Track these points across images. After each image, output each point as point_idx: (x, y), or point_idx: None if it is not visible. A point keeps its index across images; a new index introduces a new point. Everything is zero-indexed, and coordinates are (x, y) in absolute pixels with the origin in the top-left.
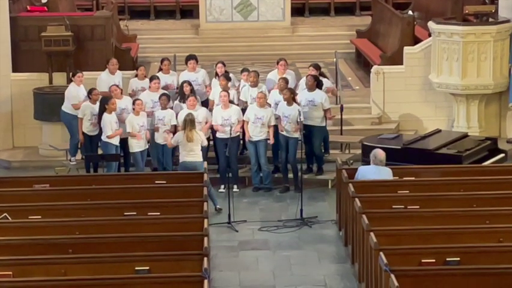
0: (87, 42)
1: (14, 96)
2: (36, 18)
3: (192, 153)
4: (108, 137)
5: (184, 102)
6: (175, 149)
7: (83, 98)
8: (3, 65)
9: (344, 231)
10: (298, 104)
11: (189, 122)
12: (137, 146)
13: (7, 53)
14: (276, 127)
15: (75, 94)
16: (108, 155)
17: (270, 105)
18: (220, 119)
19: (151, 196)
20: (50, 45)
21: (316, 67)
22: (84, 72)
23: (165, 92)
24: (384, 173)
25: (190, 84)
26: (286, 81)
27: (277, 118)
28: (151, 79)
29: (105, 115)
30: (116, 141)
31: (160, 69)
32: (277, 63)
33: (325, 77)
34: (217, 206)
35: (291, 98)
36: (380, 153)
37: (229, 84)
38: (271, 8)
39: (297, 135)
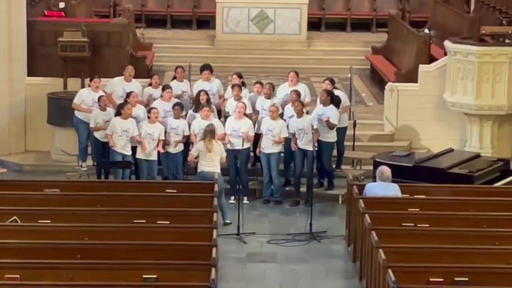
0: (103, 48)
1: (28, 100)
2: (53, 23)
3: (211, 164)
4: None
5: (198, 111)
6: (185, 159)
7: (91, 103)
8: (18, 69)
9: (352, 247)
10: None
11: (209, 133)
12: (143, 153)
13: (23, 57)
14: (289, 141)
15: (81, 94)
16: (119, 162)
17: (284, 119)
18: (230, 129)
19: (161, 205)
20: (66, 50)
21: (332, 81)
22: (101, 79)
23: (179, 101)
24: (392, 189)
25: (206, 93)
26: (298, 93)
27: (293, 135)
28: (163, 88)
29: (115, 118)
30: (121, 149)
31: (174, 77)
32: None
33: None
34: (226, 221)
35: (301, 110)
36: (386, 170)
37: (242, 93)
38: (288, 22)
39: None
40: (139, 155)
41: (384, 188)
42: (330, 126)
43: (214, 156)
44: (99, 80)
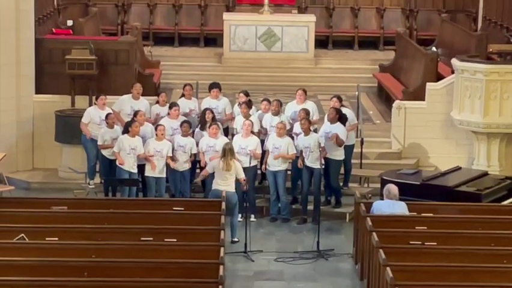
0: (110, 66)
1: (36, 117)
2: (61, 41)
3: (225, 183)
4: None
5: (204, 129)
6: (193, 176)
7: (99, 121)
8: (26, 86)
9: (360, 265)
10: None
11: (229, 151)
12: (152, 170)
13: (31, 75)
14: (296, 158)
15: (89, 113)
16: (127, 179)
17: (292, 137)
18: (237, 147)
19: (169, 222)
20: (73, 68)
21: (340, 99)
22: (106, 96)
23: (186, 119)
24: (399, 207)
25: (212, 112)
26: (306, 112)
27: (300, 152)
28: (170, 106)
29: (123, 136)
30: (129, 167)
31: (182, 95)
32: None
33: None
34: (234, 239)
35: (308, 127)
36: (393, 188)
37: (251, 111)
38: (295, 40)
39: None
40: (148, 172)
41: (391, 206)
42: (339, 143)
43: (229, 175)
44: (105, 97)
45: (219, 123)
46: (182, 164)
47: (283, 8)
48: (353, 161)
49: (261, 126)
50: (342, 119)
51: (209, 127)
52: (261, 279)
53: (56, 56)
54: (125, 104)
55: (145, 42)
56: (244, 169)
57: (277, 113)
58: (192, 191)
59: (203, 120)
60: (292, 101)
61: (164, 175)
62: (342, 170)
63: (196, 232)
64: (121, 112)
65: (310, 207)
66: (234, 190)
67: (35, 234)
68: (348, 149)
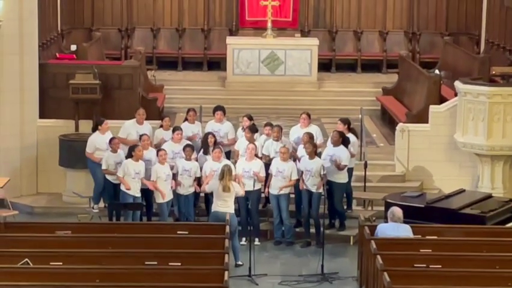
0: (114, 90)
1: (40, 142)
2: (65, 65)
3: (225, 204)
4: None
5: (207, 153)
6: (197, 200)
7: (106, 147)
8: (30, 111)
9: None
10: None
11: (227, 172)
12: (161, 197)
13: (35, 99)
14: (298, 182)
15: (93, 143)
16: (131, 203)
17: (294, 160)
18: (240, 170)
19: (173, 246)
20: (77, 92)
21: (344, 122)
22: (110, 121)
23: (189, 143)
24: (403, 230)
25: (214, 136)
26: (310, 135)
27: (301, 174)
28: (173, 130)
29: (127, 160)
30: (134, 191)
31: (186, 119)
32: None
33: (354, 133)
34: (238, 262)
35: (314, 151)
36: (397, 211)
37: (255, 136)
38: (298, 63)
39: (320, 190)
40: (160, 199)
41: (395, 228)
42: (340, 167)
43: (228, 197)
44: (106, 122)
45: (221, 146)
46: (187, 188)
47: (286, 31)
48: (357, 184)
49: (263, 154)
50: (345, 142)
51: (212, 151)
52: None
53: (60, 80)
54: (131, 129)
55: (149, 66)
56: (248, 192)
57: (278, 139)
58: (196, 215)
59: (205, 144)
60: (296, 125)
61: (171, 196)
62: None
63: (200, 256)
64: (128, 137)
65: (313, 230)
66: (234, 212)
67: (40, 259)
68: (348, 172)
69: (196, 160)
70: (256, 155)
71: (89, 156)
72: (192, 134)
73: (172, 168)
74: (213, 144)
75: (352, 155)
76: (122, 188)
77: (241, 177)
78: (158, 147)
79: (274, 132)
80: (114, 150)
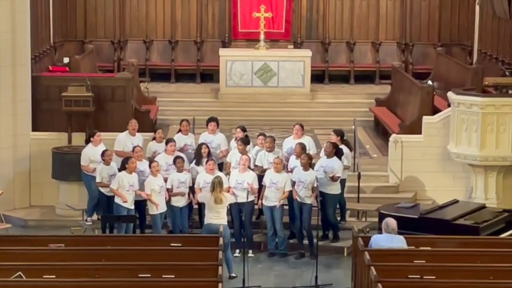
0: (107, 103)
1: (33, 155)
2: (58, 78)
3: (218, 216)
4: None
5: (200, 164)
6: (191, 212)
7: (100, 159)
8: (23, 124)
9: None
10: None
11: (218, 184)
12: (158, 207)
13: (27, 112)
14: (291, 193)
15: (86, 155)
16: (124, 216)
17: (287, 172)
18: (234, 182)
19: (166, 258)
20: (70, 105)
21: (338, 133)
22: (104, 133)
23: (180, 154)
24: (397, 241)
25: (207, 146)
26: (302, 146)
27: (293, 184)
28: (167, 142)
29: (122, 172)
30: (128, 204)
31: (179, 131)
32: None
33: (347, 145)
34: (232, 274)
35: (308, 163)
36: (391, 222)
37: (247, 147)
38: (291, 74)
39: (310, 201)
40: (154, 211)
41: (390, 240)
42: (334, 178)
43: (221, 208)
44: (99, 133)
45: (214, 158)
46: (184, 200)
47: (279, 43)
48: (350, 195)
49: (255, 165)
50: (338, 153)
51: (206, 162)
52: None
53: (53, 93)
54: (126, 141)
55: (142, 78)
56: (241, 204)
57: (271, 150)
58: (190, 227)
59: (199, 155)
60: (289, 136)
61: (165, 209)
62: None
63: (194, 268)
64: (124, 150)
65: (306, 241)
66: (226, 223)
67: (33, 272)
68: (341, 183)
69: (189, 171)
70: (248, 167)
71: (84, 169)
72: (183, 145)
73: (165, 180)
74: (207, 156)
75: (346, 167)
76: (117, 200)
77: (232, 190)
78: (151, 160)
79: (267, 143)
80: (107, 163)
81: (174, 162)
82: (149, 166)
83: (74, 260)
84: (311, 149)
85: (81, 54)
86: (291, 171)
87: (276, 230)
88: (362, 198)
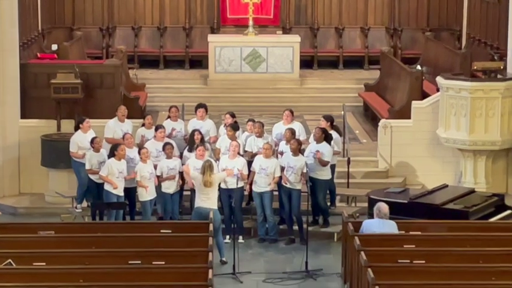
0: (96, 90)
1: (22, 142)
2: (46, 65)
3: (207, 197)
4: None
5: (192, 151)
6: (181, 198)
7: (89, 146)
8: (12, 112)
9: (349, 284)
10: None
11: (208, 168)
12: (147, 194)
13: (16, 100)
14: (280, 178)
15: (75, 142)
16: (114, 203)
17: (277, 157)
18: (224, 168)
19: (156, 245)
20: (59, 92)
21: (328, 119)
22: (92, 120)
23: (169, 141)
24: (389, 226)
25: (200, 133)
26: (292, 131)
27: (282, 169)
28: (156, 128)
29: (111, 159)
30: (118, 191)
31: (168, 117)
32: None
33: (337, 130)
34: (223, 259)
35: (298, 148)
36: (383, 207)
37: (237, 133)
38: (280, 60)
39: (299, 186)
40: (143, 197)
41: (381, 225)
42: (322, 163)
43: (211, 192)
44: (88, 120)
45: (207, 144)
46: (174, 186)
47: (268, 29)
48: (340, 180)
49: (245, 151)
50: (328, 138)
51: (196, 148)
52: None
53: (41, 80)
54: (115, 128)
55: (130, 65)
56: (231, 190)
57: (260, 135)
58: (180, 213)
59: (191, 142)
60: (279, 121)
61: (155, 195)
62: None
63: (184, 254)
64: (114, 137)
65: (296, 227)
66: (217, 208)
67: (23, 260)
68: (331, 169)
69: (181, 157)
70: (238, 153)
71: (73, 156)
72: (171, 130)
73: (155, 167)
74: (200, 142)
75: (336, 153)
76: (106, 187)
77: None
78: (140, 146)
79: (256, 128)
80: (97, 150)
81: (163, 148)
82: (139, 153)
83: (64, 247)
84: (301, 135)
85: (69, 41)
86: (281, 154)
87: (266, 215)
88: (352, 183)
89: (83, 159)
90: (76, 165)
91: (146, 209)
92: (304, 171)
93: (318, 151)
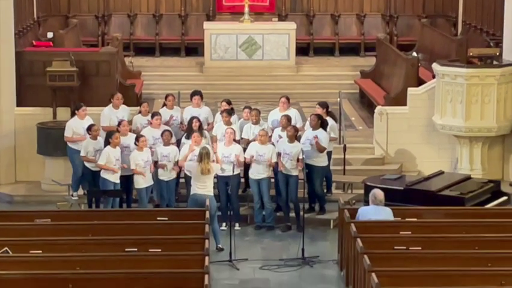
0: (92, 77)
1: (18, 130)
2: (42, 53)
3: (204, 186)
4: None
5: (189, 138)
6: (178, 186)
7: (84, 132)
8: (7, 100)
9: (345, 271)
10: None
11: (205, 155)
12: (143, 181)
13: (12, 88)
14: (276, 164)
15: (71, 127)
16: (110, 190)
17: (272, 144)
18: (220, 155)
19: (153, 232)
20: (54, 80)
21: (323, 105)
22: (88, 108)
23: (167, 128)
24: (385, 213)
25: (199, 120)
26: (288, 118)
27: (278, 155)
28: (152, 116)
29: (107, 147)
30: (115, 178)
31: (164, 105)
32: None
33: (333, 117)
34: (219, 245)
35: (294, 135)
36: (379, 194)
37: (232, 119)
38: (276, 47)
39: (296, 173)
40: (139, 185)
41: (377, 212)
42: (320, 149)
43: (207, 179)
44: (85, 107)
45: (205, 131)
46: (168, 174)
47: (264, 16)
48: (336, 167)
49: (241, 138)
50: (324, 125)
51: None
52: None
53: (37, 68)
54: (110, 115)
55: (126, 52)
56: (228, 177)
57: (257, 122)
58: (177, 200)
59: (190, 129)
60: (275, 108)
61: (152, 183)
62: None
63: (180, 242)
64: (110, 124)
65: (293, 214)
66: (213, 195)
67: (19, 248)
68: (327, 156)
69: (178, 145)
70: (234, 140)
71: (67, 140)
72: (169, 117)
73: (152, 154)
74: (198, 129)
75: (333, 139)
76: (103, 175)
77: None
78: (137, 133)
79: (253, 115)
80: (94, 137)
81: (162, 135)
82: (136, 140)
83: (61, 235)
84: (297, 122)
85: (65, 29)
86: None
87: (264, 202)
88: (348, 170)
89: (78, 146)
90: (70, 152)
91: (142, 196)
92: (301, 157)
93: (316, 136)
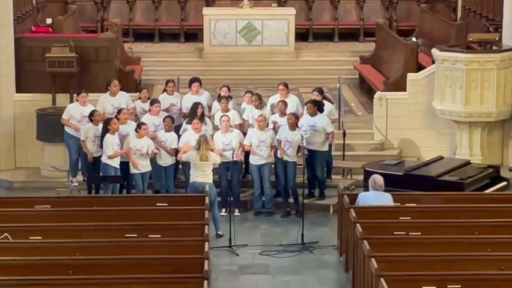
0: (91, 63)
1: (17, 116)
2: (41, 39)
3: (203, 174)
4: (109, 157)
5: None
6: (177, 171)
7: (80, 118)
8: (6, 86)
9: (345, 256)
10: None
11: (204, 142)
12: (141, 167)
13: (11, 74)
14: (276, 150)
15: (69, 110)
16: (110, 176)
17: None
18: (220, 144)
19: (152, 218)
20: (54, 66)
21: (320, 91)
22: (88, 94)
23: (169, 114)
24: (384, 198)
25: (202, 107)
26: (285, 103)
27: (279, 143)
28: (151, 103)
29: (107, 136)
30: (115, 163)
31: (165, 91)
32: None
33: (329, 100)
34: (219, 232)
35: (295, 123)
36: (378, 179)
37: (230, 105)
38: (276, 33)
39: (295, 159)
40: (133, 170)
41: (377, 197)
42: (332, 139)
43: (206, 167)
44: (86, 94)
45: (206, 118)
46: (166, 159)
47: (263, 1)
48: (335, 152)
49: (243, 119)
50: (320, 108)
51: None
52: (246, 273)
53: (36, 54)
54: (106, 103)
55: (125, 38)
56: (229, 163)
57: (257, 107)
58: (176, 186)
59: (193, 115)
60: (276, 94)
61: (149, 168)
62: None
63: (180, 227)
64: (104, 112)
65: (292, 200)
66: (212, 181)
67: (19, 234)
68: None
69: (176, 132)
70: (231, 126)
71: (64, 123)
72: (169, 105)
73: (153, 139)
74: (201, 115)
75: (334, 121)
76: (104, 160)
77: (219, 151)
78: (139, 122)
79: (254, 101)
80: (96, 123)
81: (163, 121)
82: (138, 127)
83: (60, 221)
84: (299, 109)
85: (64, 14)
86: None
87: (264, 187)
88: (347, 156)
89: (74, 132)
90: (66, 137)
91: (137, 181)
92: (301, 144)
93: (330, 135)
